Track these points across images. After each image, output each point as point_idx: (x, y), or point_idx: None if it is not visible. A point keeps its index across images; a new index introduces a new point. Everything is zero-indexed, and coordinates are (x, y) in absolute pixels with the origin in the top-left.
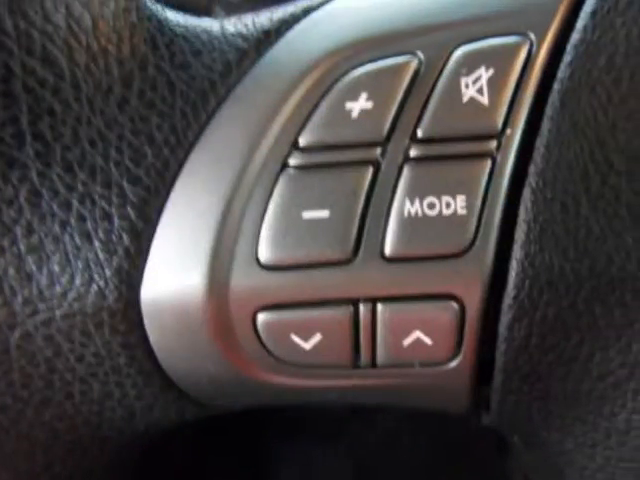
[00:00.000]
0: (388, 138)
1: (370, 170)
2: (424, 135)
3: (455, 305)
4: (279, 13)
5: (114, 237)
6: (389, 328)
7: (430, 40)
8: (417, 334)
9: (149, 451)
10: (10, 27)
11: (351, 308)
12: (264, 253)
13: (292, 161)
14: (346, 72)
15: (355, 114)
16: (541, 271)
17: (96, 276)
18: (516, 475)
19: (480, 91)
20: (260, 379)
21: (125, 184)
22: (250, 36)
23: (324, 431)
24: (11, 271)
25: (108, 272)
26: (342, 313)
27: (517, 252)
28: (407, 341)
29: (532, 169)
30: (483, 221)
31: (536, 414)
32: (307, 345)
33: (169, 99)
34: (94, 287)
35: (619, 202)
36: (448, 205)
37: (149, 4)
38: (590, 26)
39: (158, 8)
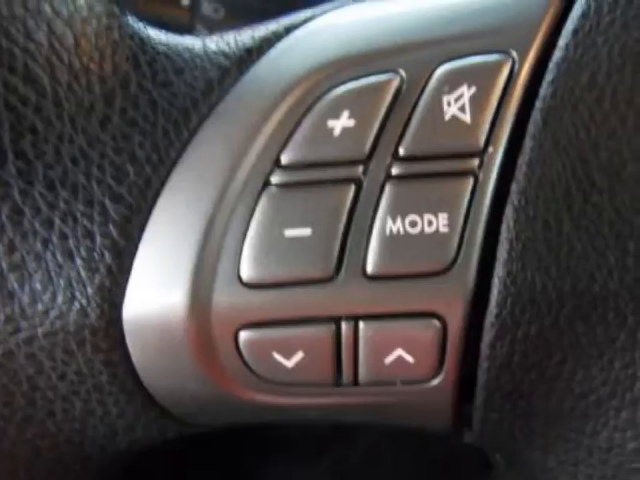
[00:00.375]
0: (370, 156)
1: (352, 188)
2: (406, 153)
3: (437, 323)
4: (261, 31)
5: (96, 255)
6: (371, 346)
7: (412, 58)
8: (399, 352)
9: (131, 466)
10: None
11: (333, 326)
12: (246, 271)
13: (274, 179)
14: (328, 90)
15: (337, 132)
16: (523, 289)
17: (78, 294)
18: None
19: (462, 109)
20: (242, 397)
21: (107, 202)
22: (232, 54)
23: (306, 449)
24: None
25: (90, 290)
26: (324, 331)
27: (499, 270)
28: (389, 359)
29: (514, 187)
30: (465, 239)
31: (518, 432)
32: (289, 363)
33: (151, 117)
34: (76, 305)
35: (601, 220)
36: (430, 223)
37: (131, 22)
38: (572, 44)
39: (140, 26)
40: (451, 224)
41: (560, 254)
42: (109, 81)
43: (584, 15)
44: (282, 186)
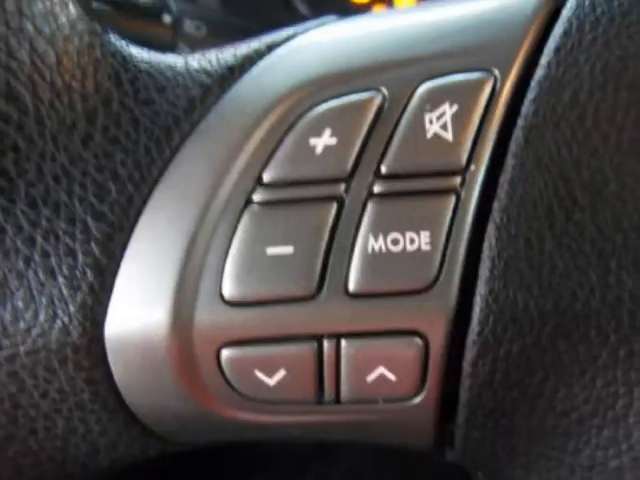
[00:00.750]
0: (352, 174)
1: (334, 206)
2: (388, 171)
3: (419, 341)
4: (243, 49)
5: (78, 273)
6: (353, 364)
7: (394, 76)
8: (381, 370)
9: None
10: None
11: (315, 344)
12: (228, 289)
13: (256, 197)
14: (310, 108)
15: (319, 150)
16: (505, 307)
17: (60, 312)
18: None
19: (444, 127)
20: (224, 415)
21: (89, 220)
22: (214, 72)
23: (288, 467)
24: None
25: (72, 308)
26: (306, 349)
27: (481, 288)
28: (371, 377)
29: (496, 205)
30: (447, 257)
31: (500, 450)
32: (271, 381)
33: (133, 135)
34: (58, 323)
35: (583, 238)
36: (412, 241)
37: (113, 40)
38: (554, 62)
39: (122, 44)
40: (433, 242)
41: (542, 272)
42: (91, 99)
43: (566, 33)
44: (264, 204)
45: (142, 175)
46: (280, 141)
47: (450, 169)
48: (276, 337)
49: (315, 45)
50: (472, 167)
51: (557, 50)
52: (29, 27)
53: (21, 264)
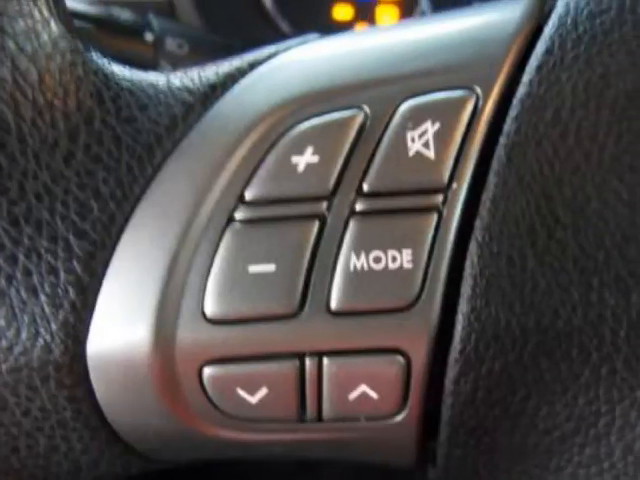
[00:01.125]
0: (334, 192)
1: (316, 224)
2: (370, 189)
3: (401, 359)
4: (225, 67)
5: (60, 291)
6: (335, 382)
7: (376, 94)
8: (363, 388)
9: None
10: None
11: (297, 362)
12: (210, 307)
13: (238, 215)
14: (292, 126)
15: (301, 168)
16: (487, 325)
17: (42, 330)
18: None
19: (426, 145)
20: (206, 433)
21: (71, 238)
22: (196, 90)
23: None
24: None
25: (54, 326)
26: (288, 367)
27: (463, 306)
28: (353, 395)
29: (478, 223)
30: (429, 275)
31: (482, 468)
32: (253, 399)
33: (115, 153)
34: (40, 341)
35: (565, 256)
36: (394, 259)
37: (95, 58)
38: (536, 80)
39: (104, 62)
40: (415, 260)
41: (524, 290)
42: (73, 117)
43: (548, 51)
44: (246, 222)
45: (124, 193)
46: (262, 159)
47: (432, 187)
48: (258, 355)
49: (297, 63)
50: (454, 185)
51: (539, 68)
52: (11, 45)
53: (3, 282)
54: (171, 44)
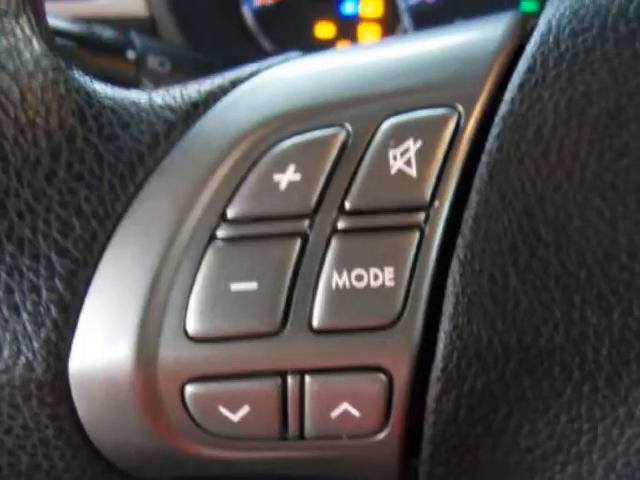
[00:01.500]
0: (316, 210)
1: (298, 242)
2: (352, 207)
3: (383, 377)
4: (207, 85)
5: (42, 309)
6: (317, 400)
7: (358, 112)
8: (345, 406)
9: None
10: None
11: (279, 380)
12: (192, 325)
13: (220, 233)
14: (274, 144)
15: (283, 186)
16: (469, 343)
17: (24, 348)
18: None
19: (408, 163)
20: (188, 451)
21: (53, 256)
22: (178, 108)
23: None
24: None
25: (36, 344)
26: (270, 385)
27: (445, 324)
28: (335, 413)
29: (460, 241)
30: (411, 293)
31: None
32: (235, 417)
33: (97, 171)
34: (22, 359)
35: (547, 274)
36: (376, 277)
37: (77, 76)
38: (518, 98)
39: (86, 80)
40: (397, 278)
41: (506, 308)
42: (55, 135)
43: (530, 69)
44: (228, 240)
45: (106, 211)
46: (244, 177)
47: (414, 205)
48: (240, 373)
49: (279, 81)
50: (436, 203)
51: (521, 86)
52: None
53: None
54: (153, 62)
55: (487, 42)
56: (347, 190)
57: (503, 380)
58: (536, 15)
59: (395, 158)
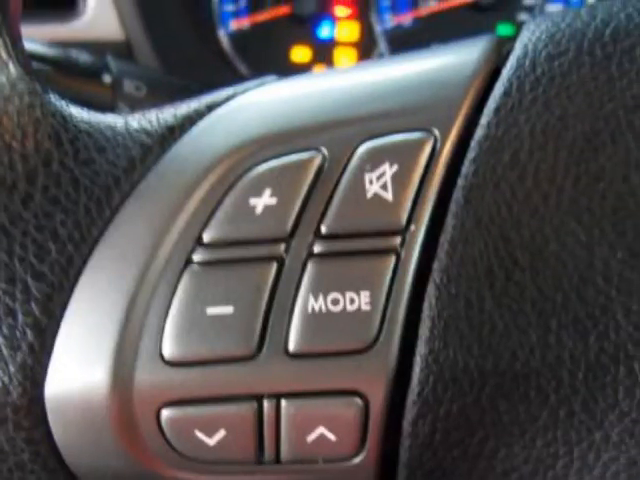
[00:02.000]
0: (292, 234)
1: (274, 266)
2: (328, 231)
3: (359, 401)
4: (183, 109)
5: (18, 333)
6: (293, 424)
7: (334, 136)
8: (321, 430)
9: None
10: None
11: (255, 404)
12: (168, 349)
13: (196, 257)
14: (250, 168)
15: (259, 210)
16: (445, 367)
17: (0, 372)
18: None
19: (384, 187)
20: (164, 475)
21: (29, 280)
22: (154, 132)
23: None
24: None
25: (12, 368)
26: (246, 409)
27: (421, 348)
28: (311, 437)
29: (436, 265)
30: (387, 317)
31: None
32: (211, 441)
33: (73, 195)
34: None
35: (523, 298)
36: (352, 301)
37: (53, 100)
38: (494, 122)
39: (62, 104)
40: (373, 302)
41: (482, 332)
42: (31, 159)
43: (506, 93)
44: (204, 264)
45: (82, 235)
46: (220, 201)
47: (390, 229)
48: (216, 397)
49: (255, 105)
50: (412, 227)
51: (497, 110)
52: None
53: None
54: (129, 86)
55: (463, 66)
56: (323, 214)
57: (479, 404)
58: (512, 39)
59: (371, 182)
